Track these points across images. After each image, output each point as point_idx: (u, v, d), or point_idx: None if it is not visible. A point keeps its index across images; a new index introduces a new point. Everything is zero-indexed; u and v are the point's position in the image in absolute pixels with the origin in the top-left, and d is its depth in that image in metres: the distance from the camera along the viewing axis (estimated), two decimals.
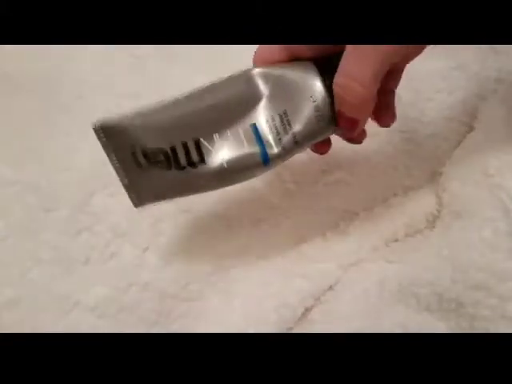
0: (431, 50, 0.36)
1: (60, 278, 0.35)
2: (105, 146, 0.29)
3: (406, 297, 0.34)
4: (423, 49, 0.28)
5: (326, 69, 0.28)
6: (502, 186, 0.36)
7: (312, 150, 0.32)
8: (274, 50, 0.29)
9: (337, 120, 0.28)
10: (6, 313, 0.34)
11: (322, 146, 0.32)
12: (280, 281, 0.35)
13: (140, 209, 0.30)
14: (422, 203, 0.37)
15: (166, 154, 0.28)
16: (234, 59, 0.41)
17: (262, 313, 0.34)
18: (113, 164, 0.29)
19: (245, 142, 0.28)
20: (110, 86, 0.41)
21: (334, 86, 0.27)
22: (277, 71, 0.29)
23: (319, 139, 0.29)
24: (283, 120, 0.28)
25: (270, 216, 0.37)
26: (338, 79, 0.27)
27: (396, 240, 0.36)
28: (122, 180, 0.29)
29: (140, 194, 0.30)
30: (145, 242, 0.36)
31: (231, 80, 0.29)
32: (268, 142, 0.28)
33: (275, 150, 0.28)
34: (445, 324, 0.33)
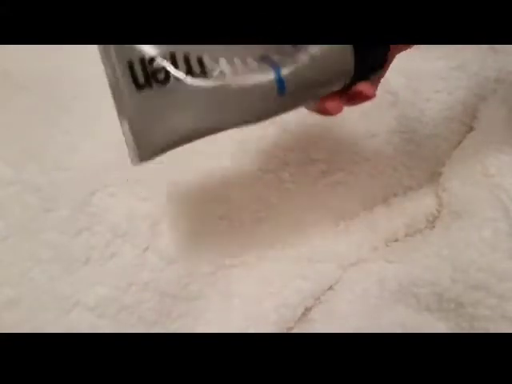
0: (431, 50, 0.37)
1: (60, 278, 0.35)
2: (107, 57, 0.25)
3: (406, 297, 0.34)
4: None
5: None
6: (501, 186, 0.36)
7: (321, 111, 0.30)
8: None
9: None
10: (6, 313, 0.34)
11: (334, 104, 0.29)
12: (280, 281, 0.35)
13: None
14: (422, 203, 0.37)
15: (162, 59, 0.24)
16: None
17: (262, 313, 0.34)
18: (111, 83, 0.25)
19: (256, 67, 0.25)
20: None
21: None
22: None
23: (333, 75, 0.26)
24: (296, 46, 0.25)
25: (270, 216, 0.37)
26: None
27: (396, 240, 0.36)
28: (121, 117, 0.25)
29: (142, 141, 0.24)
30: (145, 242, 0.36)
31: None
32: (281, 62, 0.25)
33: (289, 67, 0.25)
34: (444, 324, 0.33)
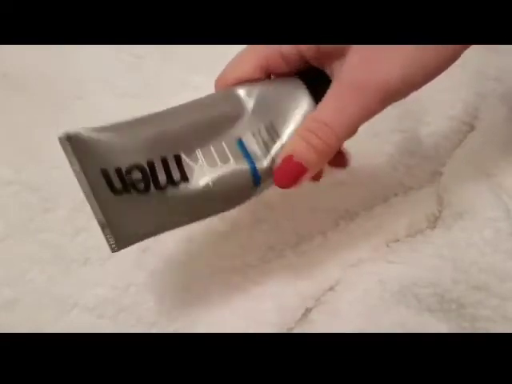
0: None
1: (59, 279, 0.35)
2: (74, 162, 0.24)
3: (407, 297, 0.34)
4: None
5: (311, 79, 0.27)
6: (503, 185, 0.36)
7: (330, 165, 0.31)
8: (247, 67, 0.28)
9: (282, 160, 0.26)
10: (5, 313, 0.34)
11: (339, 159, 0.30)
12: (280, 281, 0.35)
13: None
14: (423, 203, 0.37)
15: (142, 169, 0.24)
16: None
17: (262, 313, 0.34)
18: (84, 188, 0.25)
19: (231, 157, 0.25)
20: (110, 86, 0.41)
21: (301, 129, 0.26)
22: (260, 86, 0.27)
23: None
24: (270, 131, 0.26)
25: (270, 216, 0.36)
26: (311, 124, 0.25)
27: (397, 240, 0.36)
28: (96, 214, 0.25)
29: (119, 234, 0.25)
30: (144, 243, 0.35)
31: (212, 97, 0.27)
32: (256, 154, 0.26)
33: (264, 162, 0.26)
34: (446, 324, 0.33)
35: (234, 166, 0.25)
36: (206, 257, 0.35)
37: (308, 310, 0.34)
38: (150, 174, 0.24)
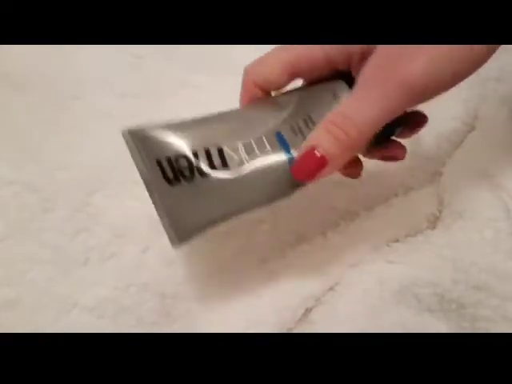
0: None
1: (59, 279, 0.35)
2: (138, 157, 0.26)
3: (407, 297, 0.34)
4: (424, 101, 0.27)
5: (348, 80, 0.28)
6: (503, 185, 0.36)
7: (344, 174, 0.31)
8: (274, 71, 0.28)
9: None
10: (5, 313, 0.34)
11: (353, 167, 0.31)
12: (280, 281, 0.35)
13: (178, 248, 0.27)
14: (423, 203, 0.37)
15: (187, 158, 0.26)
16: (234, 59, 0.41)
17: (262, 313, 0.34)
18: (145, 178, 0.26)
19: (268, 147, 0.27)
20: (110, 86, 0.41)
21: (324, 122, 0.26)
22: (300, 91, 0.28)
23: None
24: (308, 123, 0.27)
25: (270, 216, 0.36)
26: (334, 117, 0.25)
27: (397, 240, 0.36)
28: (158, 209, 0.26)
29: (178, 226, 0.26)
30: (144, 243, 0.35)
31: (256, 104, 0.29)
32: (294, 145, 0.27)
33: (299, 145, 0.26)
34: (446, 324, 0.33)
35: (271, 153, 0.27)
36: (206, 257, 0.35)
37: (308, 310, 0.34)
38: (193, 161, 0.26)
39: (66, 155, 0.38)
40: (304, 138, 0.27)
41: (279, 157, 0.27)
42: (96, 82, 0.41)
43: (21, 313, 0.34)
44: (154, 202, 0.26)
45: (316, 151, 0.25)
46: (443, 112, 0.39)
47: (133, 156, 0.26)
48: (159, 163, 0.26)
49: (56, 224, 0.36)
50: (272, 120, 0.27)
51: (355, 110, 0.25)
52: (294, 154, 0.27)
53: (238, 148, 0.27)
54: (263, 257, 0.35)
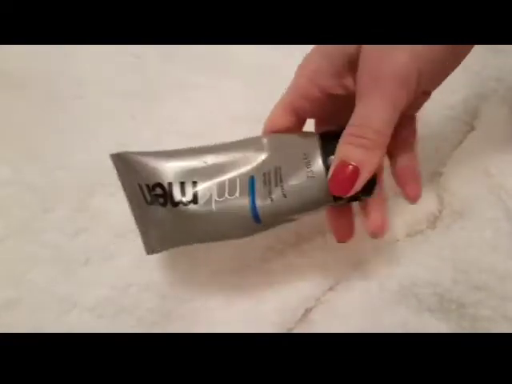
0: None
1: (59, 279, 0.35)
2: (123, 176, 0.31)
3: (407, 297, 0.34)
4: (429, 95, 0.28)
5: (329, 140, 0.28)
6: (503, 185, 0.36)
7: (338, 241, 0.32)
8: (278, 114, 0.30)
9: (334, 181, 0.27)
10: (5, 313, 0.34)
11: (342, 232, 0.31)
12: (280, 281, 0.35)
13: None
14: (423, 203, 0.37)
15: (163, 187, 0.29)
16: (234, 59, 0.41)
17: (262, 313, 0.34)
18: (127, 196, 0.31)
19: (238, 195, 0.29)
20: (110, 86, 0.41)
21: (342, 138, 0.27)
22: (282, 136, 0.30)
23: (311, 204, 0.28)
24: (276, 174, 0.29)
25: None
26: (349, 129, 0.26)
27: (397, 240, 0.36)
28: (136, 217, 0.31)
29: (150, 238, 0.31)
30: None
31: (240, 142, 0.30)
32: (260, 193, 0.28)
33: (264, 201, 0.28)
34: (446, 324, 0.33)
35: (238, 199, 0.29)
36: (206, 257, 0.35)
37: (308, 310, 0.34)
38: (167, 191, 0.29)
39: (66, 155, 0.38)
40: (269, 189, 0.28)
41: (244, 203, 0.29)
42: (96, 82, 0.41)
43: (21, 313, 0.34)
44: (134, 216, 0.31)
45: (346, 163, 0.26)
46: (443, 112, 0.39)
47: (119, 176, 0.31)
48: (140, 187, 0.30)
49: (56, 224, 0.36)
50: (251, 162, 0.29)
51: (365, 117, 0.26)
52: (257, 201, 0.28)
53: (210, 187, 0.29)
54: (263, 257, 0.35)
